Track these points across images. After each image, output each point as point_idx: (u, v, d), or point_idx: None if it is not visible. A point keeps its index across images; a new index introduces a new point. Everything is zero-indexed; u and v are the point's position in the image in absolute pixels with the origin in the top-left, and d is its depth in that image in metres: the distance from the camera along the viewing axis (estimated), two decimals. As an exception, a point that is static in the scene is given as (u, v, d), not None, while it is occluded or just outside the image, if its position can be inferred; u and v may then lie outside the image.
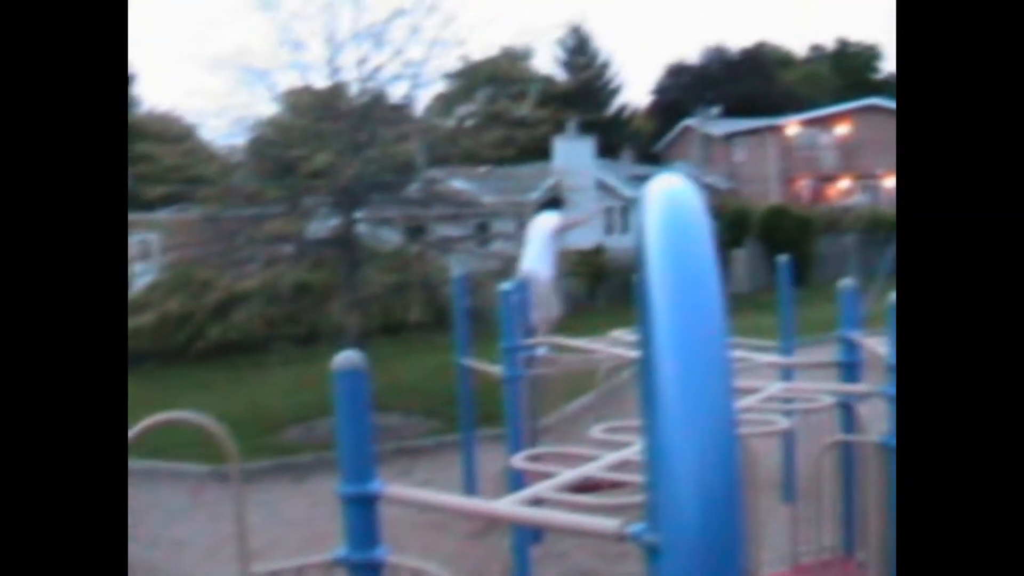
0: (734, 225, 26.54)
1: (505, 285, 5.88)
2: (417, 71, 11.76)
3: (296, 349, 12.11)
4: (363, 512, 2.56)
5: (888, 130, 39.58)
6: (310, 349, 11.38)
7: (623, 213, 34.25)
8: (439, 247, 13.27)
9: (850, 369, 4.62)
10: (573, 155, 30.55)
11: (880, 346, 4.13)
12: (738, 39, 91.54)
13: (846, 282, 4.74)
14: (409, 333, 13.85)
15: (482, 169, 17.90)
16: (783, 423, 3.35)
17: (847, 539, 4.63)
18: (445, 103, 16.35)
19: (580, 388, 9.39)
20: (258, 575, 2.81)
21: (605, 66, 53.62)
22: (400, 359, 14.20)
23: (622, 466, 2.81)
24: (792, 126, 40.12)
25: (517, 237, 20.56)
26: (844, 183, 39.44)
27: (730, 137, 42.49)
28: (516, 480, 6.21)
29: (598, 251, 25.58)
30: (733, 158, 42.03)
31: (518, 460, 2.98)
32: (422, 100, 14.59)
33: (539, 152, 31.97)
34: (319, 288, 12.60)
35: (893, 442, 3.84)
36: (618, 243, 29.20)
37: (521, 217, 22.92)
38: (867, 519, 4.40)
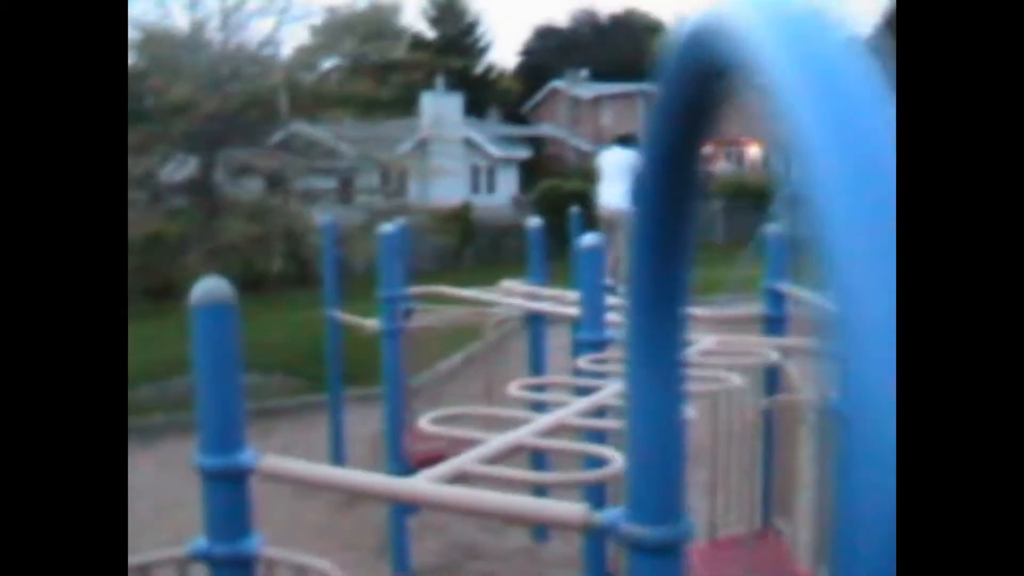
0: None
1: (386, 227, 5.26)
2: (284, 6, 10.96)
3: (148, 303, 11.25)
4: (229, 491, 1.96)
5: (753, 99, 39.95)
6: (163, 303, 10.57)
7: (490, 172, 33.76)
8: (302, 198, 12.52)
9: (776, 324, 4.19)
10: (441, 111, 29.87)
11: (817, 300, 3.68)
12: (608, 5, 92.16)
13: (771, 229, 4.29)
14: (269, 288, 13.10)
15: (348, 121, 17.17)
16: (735, 379, 2.85)
17: (766, 510, 4.21)
18: (310, 54, 15.55)
19: (448, 347, 8.86)
20: None
21: (473, 24, 52.87)
22: (259, 315, 13.40)
23: (557, 430, 2.26)
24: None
25: (382, 191, 19.91)
26: (708, 149, 39.67)
27: (598, 100, 42.30)
28: (394, 446, 5.64)
29: (465, 209, 25.00)
30: (600, 121, 41.82)
31: (426, 423, 2.39)
32: (288, 42, 13.84)
33: (406, 107, 31.22)
34: (173, 239, 11.69)
35: (841, 405, 3.41)
36: (485, 202, 28.70)
37: (387, 171, 22.28)
38: (791, 489, 3.99)
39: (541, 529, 6.11)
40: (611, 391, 2.55)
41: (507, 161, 34.59)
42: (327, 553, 5.68)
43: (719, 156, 39.40)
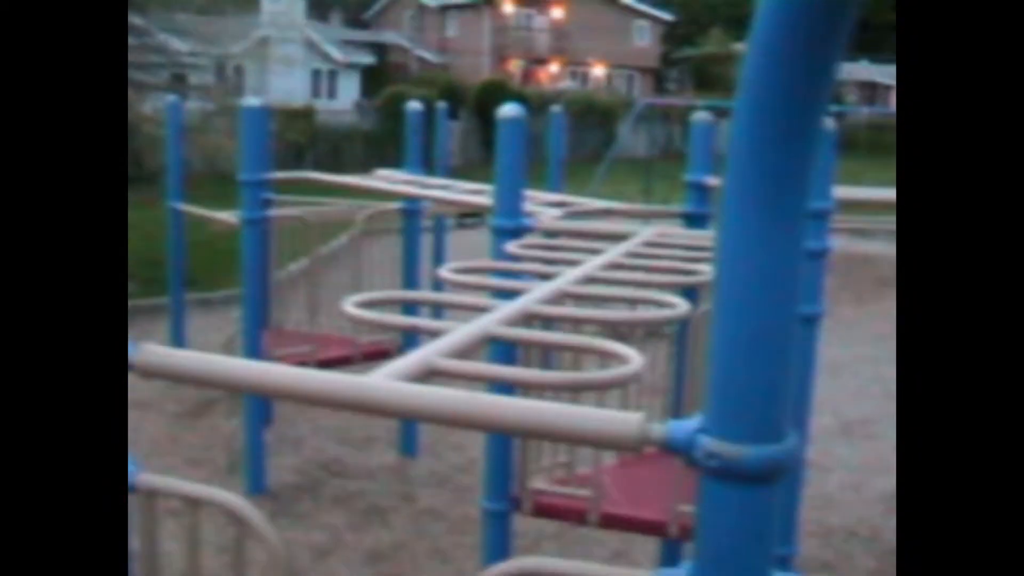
0: (447, 98, 25.63)
1: (250, 101, 4.59)
2: None
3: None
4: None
5: (599, 19, 39.81)
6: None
7: (331, 76, 32.55)
8: (132, 90, 11.53)
9: (699, 220, 3.78)
10: (281, 9, 28.47)
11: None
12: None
13: (701, 116, 3.85)
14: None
15: (182, 15, 16.04)
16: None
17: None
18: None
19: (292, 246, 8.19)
20: None
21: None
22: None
23: (524, 319, 1.76)
24: (507, 4, 39.36)
25: (218, 87, 18.74)
26: (554, 67, 39.28)
27: (444, 10, 41.22)
28: (252, 349, 5.03)
29: (307, 112, 23.93)
30: (446, 32, 40.81)
31: (352, 307, 1.84)
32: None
33: (245, 4, 29.63)
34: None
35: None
36: (326, 106, 27.60)
37: (223, 68, 20.98)
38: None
39: (409, 444, 5.64)
40: (571, 276, 2.06)
41: (349, 66, 33.39)
42: (170, 471, 5.09)
43: (565, 73, 39.09)
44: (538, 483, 3.34)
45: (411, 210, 5.45)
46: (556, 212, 3.36)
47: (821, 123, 1.03)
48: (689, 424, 1.10)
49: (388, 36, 40.06)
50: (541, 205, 3.59)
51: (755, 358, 1.05)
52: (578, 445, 2.50)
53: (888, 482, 5.85)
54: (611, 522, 3.31)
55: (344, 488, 5.13)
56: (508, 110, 3.06)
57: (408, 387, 1.17)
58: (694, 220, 3.81)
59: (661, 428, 1.11)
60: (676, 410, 3.89)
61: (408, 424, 5.65)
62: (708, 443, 1.06)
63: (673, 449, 1.10)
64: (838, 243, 15.12)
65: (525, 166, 3.10)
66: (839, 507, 5.45)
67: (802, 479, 3.16)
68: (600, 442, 1.14)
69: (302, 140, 21.28)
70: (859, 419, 7.03)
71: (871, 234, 14.70)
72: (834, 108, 31.30)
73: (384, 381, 1.24)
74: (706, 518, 1.10)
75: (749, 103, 1.00)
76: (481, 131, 26.45)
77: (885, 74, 51.03)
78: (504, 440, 3.25)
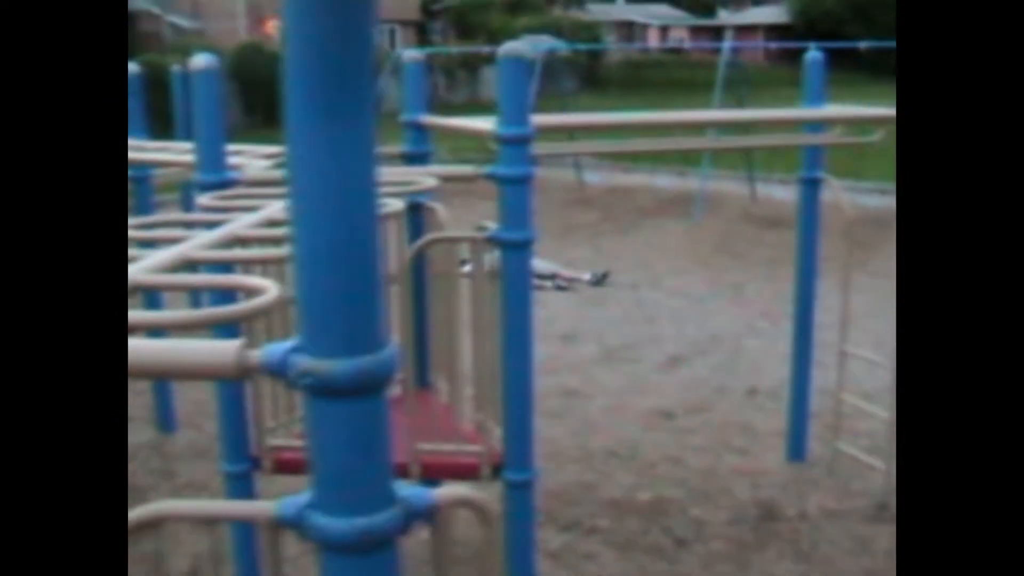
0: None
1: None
2: None
3: None
4: None
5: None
6: None
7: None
8: None
9: (419, 160, 3.78)
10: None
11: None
12: None
13: (411, 55, 3.83)
14: None
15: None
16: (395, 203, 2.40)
17: (422, 366, 3.86)
18: None
19: None
20: None
21: None
22: None
23: (178, 266, 1.72)
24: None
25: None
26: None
27: (193, -27, 39.74)
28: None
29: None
30: (197, -5, 39.41)
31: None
32: None
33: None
34: None
35: (502, 236, 3.08)
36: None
37: None
38: (450, 341, 3.64)
39: (166, 420, 5.48)
40: (244, 222, 2.02)
41: (95, 38, 31.78)
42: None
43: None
44: (276, 440, 3.30)
45: (139, 177, 5.24)
46: (267, 164, 3.30)
47: (371, 25, 1.02)
48: (285, 346, 1.08)
49: (136, 2, 38.31)
50: (256, 158, 3.51)
51: (335, 269, 1.04)
52: (182, 379, 2.48)
53: (645, 402, 6.09)
54: (354, 469, 3.30)
55: (97, 472, 4.93)
56: (200, 60, 2.96)
57: None
58: (413, 159, 3.83)
59: (257, 354, 1.09)
60: (421, 355, 3.91)
61: (164, 399, 5.49)
62: (300, 361, 1.05)
63: (271, 372, 1.09)
64: (599, 177, 15.47)
65: (224, 118, 3.02)
66: (600, 430, 5.64)
67: (530, 404, 3.23)
68: (200, 373, 1.11)
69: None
70: (620, 345, 7.28)
71: (633, 168, 15.19)
72: (589, 47, 32.07)
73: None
74: (314, 438, 1.09)
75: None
76: (240, 95, 25.82)
77: (641, 13, 52.52)
78: (236, 399, 3.18)
